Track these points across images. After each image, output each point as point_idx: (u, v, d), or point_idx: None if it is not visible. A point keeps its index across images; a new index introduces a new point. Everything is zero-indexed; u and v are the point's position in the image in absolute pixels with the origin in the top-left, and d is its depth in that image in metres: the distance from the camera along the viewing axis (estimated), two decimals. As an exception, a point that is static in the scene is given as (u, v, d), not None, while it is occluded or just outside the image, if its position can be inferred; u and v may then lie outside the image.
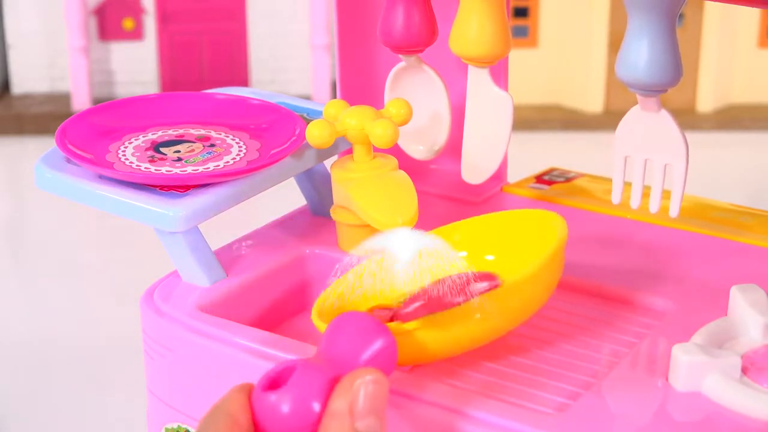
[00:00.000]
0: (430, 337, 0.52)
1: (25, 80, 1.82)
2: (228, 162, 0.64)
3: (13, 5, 1.79)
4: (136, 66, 1.82)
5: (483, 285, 0.54)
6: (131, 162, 0.63)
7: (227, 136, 0.67)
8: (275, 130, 0.66)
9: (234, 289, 0.63)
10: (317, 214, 0.72)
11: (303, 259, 0.67)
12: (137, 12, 1.80)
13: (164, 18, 1.81)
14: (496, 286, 0.54)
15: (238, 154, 0.65)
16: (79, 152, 0.63)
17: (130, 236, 1.34)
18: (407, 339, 0.52)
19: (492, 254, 0.60)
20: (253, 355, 0.56)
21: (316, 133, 0.62)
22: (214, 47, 1.82)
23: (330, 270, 0.66)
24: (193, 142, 0.66)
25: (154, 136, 0.67)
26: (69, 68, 1.78)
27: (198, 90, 0.70)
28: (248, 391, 0.48)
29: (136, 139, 0.66)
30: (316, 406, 0.46)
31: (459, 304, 0.52)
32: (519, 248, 0.59)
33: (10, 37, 1.81)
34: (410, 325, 0.52)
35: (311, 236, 0.69)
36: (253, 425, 0.47)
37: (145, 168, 0.63)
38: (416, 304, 0.54)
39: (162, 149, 0.65)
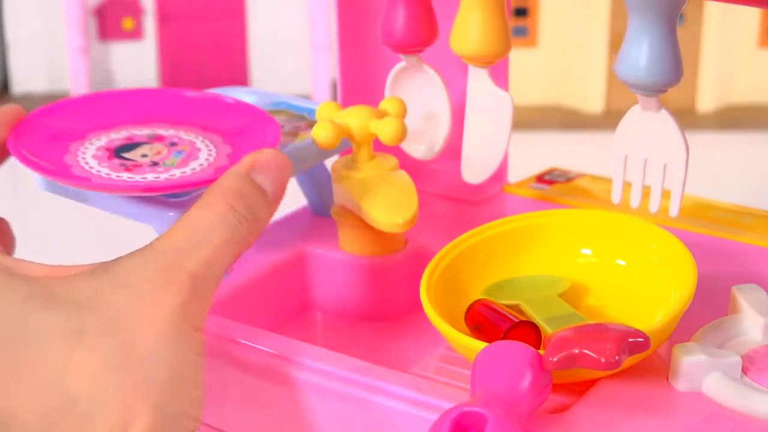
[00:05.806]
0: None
1: (25, 80, 1.82)
2: (203, 164, 0.61)
3: (13, 5, 1.79)
4: (136, 66, 1.82)
5: (635, 343, 0.49)
6: (99, 171, 0.59)
7: (197, 138, 0.63)
8: (248, 135, 0.63)
9: (234, 289, 0.63)
10: (317, 214, 0.72)
11: (303, 259, 0.67)
12: (137, 12, 1.80)
13: (164, 18, 1.81)
14: (645, 349, 0.50)
15: (207, 159, 0.61)
16: (36, 161, 0.59)
17: (130, 236, 1.34)
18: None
19: (621, 259, 0.60)
20: (252, 355, 0.56)
21: (323, 134, 0.62)
22: (214, 47, 1.82)
23: (330, 270, 0.66)
24: (152, 144, 0.62)
25: (103, 143, 0.63)
26: (69, 68, 1.78)
27: (198, 90, 0.68)
28: None
29: (91, 144, 0.62)
30: None
31: (605, 367, 0.48)
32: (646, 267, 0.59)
33: (10, 37, 1.81)
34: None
35: (311, 236, 0.69)
36: None
37: (129, 178, 0.59)
38: (564, 354, 0.49)
39: (124, 155, 0.61)
